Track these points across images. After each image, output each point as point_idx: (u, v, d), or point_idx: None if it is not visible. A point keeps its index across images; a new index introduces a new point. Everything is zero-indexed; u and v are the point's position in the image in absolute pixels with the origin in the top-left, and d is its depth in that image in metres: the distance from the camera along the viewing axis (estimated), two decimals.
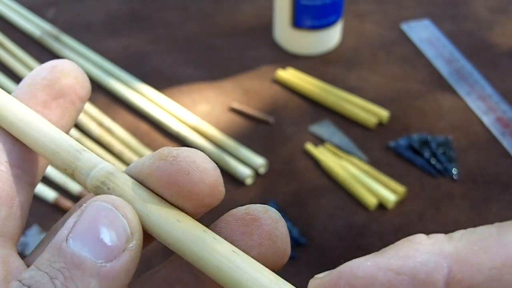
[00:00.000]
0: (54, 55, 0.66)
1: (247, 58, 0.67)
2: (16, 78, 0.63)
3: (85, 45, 0.67)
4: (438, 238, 0.14)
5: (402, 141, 0.56)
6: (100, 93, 0.62)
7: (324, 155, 0.55)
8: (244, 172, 0.53)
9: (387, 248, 0.15)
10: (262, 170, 0.54)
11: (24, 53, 0.66)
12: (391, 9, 0.74)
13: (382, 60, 0.66)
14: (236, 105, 0.60)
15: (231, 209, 0.19)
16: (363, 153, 0.56)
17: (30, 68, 0.64)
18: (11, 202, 0.19)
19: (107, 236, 0.16)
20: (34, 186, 0.21)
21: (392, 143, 0.56)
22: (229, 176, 0.54)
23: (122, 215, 0.17)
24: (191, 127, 0.58)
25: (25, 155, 0.20)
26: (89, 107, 0.60)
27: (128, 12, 0.73)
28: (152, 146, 0.57)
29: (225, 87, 0.63)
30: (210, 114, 0.60)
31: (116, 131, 0.57)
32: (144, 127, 0.59)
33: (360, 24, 0.71)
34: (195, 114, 0.59)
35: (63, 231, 0.16)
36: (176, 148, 0.18)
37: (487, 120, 0.59)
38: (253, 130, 0.58)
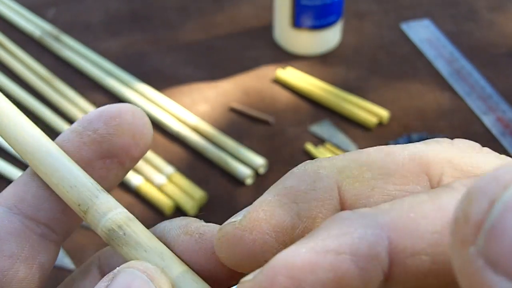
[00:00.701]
0: (54, 55, 0.66)
1: (247, 58, 0.67)
2: (16, 78, 0.63)
3: (85, 45, 0.67)
4: (366, 211, 0.13)
5: (402, 141, 0.56)
6: (100, 93, 0.62)
7: (324, 155, 0.55)
8: (244, 172, 0.53)
9: (314, 231, 0.13)
10: (262, 170, 0.54)
11: (24, 53, 0.66)
12: (391, 9, 0.73)
13: (382, 60, 0.66)
14: (236, 105, 0.60)
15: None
16: None
17: (30, 68, 0.64)
18: (31, 263, 0.17)
19: None
20: (59, 245, 0.19)
21: (392, 143, 0.56)
22: (229, 176, 0.54)
23: (155, 280, 0.16)
24: (191, 127, 0.58)
25: (55, 211, 0.18)
26: (89, 107, 0.60)
27: (128, 12, 0.73)
28: (152, 146, 0.57)
29: (225, 87, 0.63)
30: (210, 114, 0.60)
31: None
32: None
33: (360, 24, 0.71)
34: (195, 114, 0.59)
35: None
36: (203, 224, 0.17)
37: (487, 120, 0.59)
38: (253, 130, 0.58)
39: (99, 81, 0.63)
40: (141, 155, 0.19)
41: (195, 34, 0.70)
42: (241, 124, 0.59)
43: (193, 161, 0.56)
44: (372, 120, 0.58)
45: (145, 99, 0.61)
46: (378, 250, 0.13)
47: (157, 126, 0.59)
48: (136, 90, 0.62)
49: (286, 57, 0.66)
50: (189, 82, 0.64)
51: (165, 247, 0.17)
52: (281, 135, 0.58)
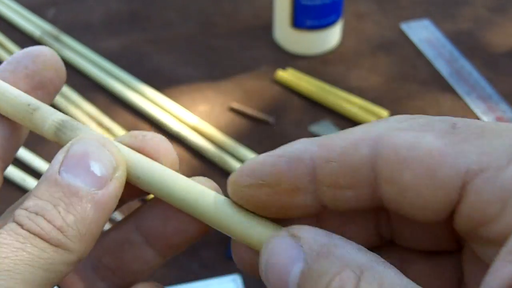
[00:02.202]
0: None
1: (247, 58, 0.67)
2: None
3: (85, 45, 0.67)
4: (308, 138, 0.19)
5: None
6: (100, 93, 0.62)
7: None
8: None
9: (283, 146, 0.19)
10: None
11: None
12: (391, 9, 0.74)
13: (382, 60, 0.66)
14: (236, 105, 0.60)
15: None
16: None
17: None
18: None
19: (97, 168, 0.19)
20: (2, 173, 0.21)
21: None
22: (229, 176, 0.54)
23: (108, 150, 0.19)
24: (191, 127, 0.58)
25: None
26: (89, 107, 0.60)
27: (128, 12, 0.73)
28: None
29: (225, 87, 0.63)
30: (210, 114, 0.60)
31: (116, 131, 0.57)
32: (144, 127, 0.59)
33: (360, 24, 0.71)
34: (194, 114, 0.59)
35: (54, 166, 0.19)
36: (142, 131, 0.22)
37: (487, 120, 0.59)
38: (253, 130, 0.58)
39: (99, 81, 0.63)
40: (61, 86, 0.23)
41: (195, 34, 0.70)
42: (241, 124, 0.59)
43: (193, 161, 0.56)
44: (372, 120, 0.58)
45: (145, 99, 0.61)
46: (304, 156, 0.18)
47: (157, 126, 0.59)
48: (136, 90, 0.62)
49: (286, 57, 0.66)
50: (189, 82, 0.64)
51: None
52: (281, 135, 0.58)
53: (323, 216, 0.20)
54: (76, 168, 0.18)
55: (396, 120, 0.18)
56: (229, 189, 0.20)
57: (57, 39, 0.68)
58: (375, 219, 0.21)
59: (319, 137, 0.19)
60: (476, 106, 0.60)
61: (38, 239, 0.17)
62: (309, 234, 0.17)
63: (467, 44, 0.68)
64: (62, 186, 0.18)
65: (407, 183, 0.17)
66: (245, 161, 0.19)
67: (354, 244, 0.17)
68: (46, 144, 0.56)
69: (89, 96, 0.62)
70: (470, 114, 0.60)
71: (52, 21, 0.71)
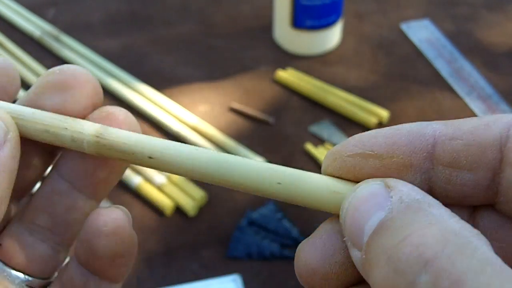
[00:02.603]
0: (54, 55, 0.66)
1: (247, 58, 0.67)
2: None
3: (85, 45, 0.67)
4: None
5: None
6: None
7: (324, 155, 0.55)
8: None
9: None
10: None
11: (24, 53, 0.66)
12: (391, 9, 0.74)
13: (382, 60, 0.66)
14: (236, 105, 0.60)
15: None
16: None
17: (30, 68, 0.64)
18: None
19: None
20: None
21: None
22: None
23: None
24: (191, 127, 0.58)
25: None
26: None
27: (128, 12, 0.73)
28: None
29: (225, 87, 0.63)
30: (210, 114, 0.60)
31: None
32: (144, 127, 0.59)
33: (360, 24, 0.71)
34: (195, 114, 0.59)
35: None
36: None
37: None
38: (253, 130, 0.58)
39: (99, 81, 0.63)
40: (17, 91, 0.22)
41: (195, 34, 0.70)
42: (241, 124, 0.59)
43: None
44: (372, 120, 0.58)
45: (145, 99, 0.61)
46: (426, 131, 0.17)
47: (157, 126, 0.59)
48: (136, 90, 0.62)
49: (286, 57, 0.66)
50: (189, 82, 0.64)
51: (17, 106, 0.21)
52: (281, 135, 0.58)
53: None
54: None
55: None
56: (326, 161, 0.19)
57: (57, 39, 0.68)
58: (470, 220, 0.19)
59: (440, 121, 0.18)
60: (476, 106, 0.60)
61: None
62: (404, 187, 0.16)
63: (467, 44, 0.68)
64: None
65: None
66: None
67: (449, 210, 0.15)
68: None
69: None
70: (470, 114, 0.60)
71: (52, 21, 0.71)
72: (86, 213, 0.21)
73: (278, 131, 0.58)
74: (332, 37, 0.66)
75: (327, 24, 0.64)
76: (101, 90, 0.22)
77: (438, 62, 0.66)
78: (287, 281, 0.47)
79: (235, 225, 0.50)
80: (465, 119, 0.18)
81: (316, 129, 0.58)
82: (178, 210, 0.52)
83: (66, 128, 0.20)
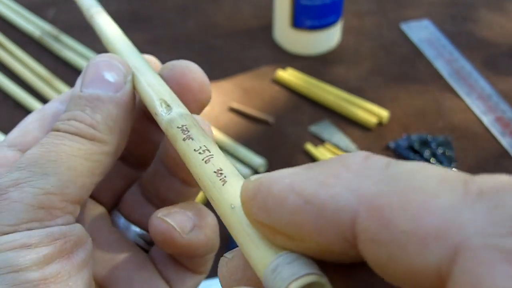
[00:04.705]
0: (54, 55, 0.66)
1: (247, 58, 0.67)
2: (16, 78, 0.63)
3: (85, 45, 0.67)
4: (361, 163, 0.13)
5: (402, 141, 0.56)
6: None
7: (324, 155, 0.55)
8: (244, 172, 0.53)
9: (321, 162, 0.14)
10: (261, 170, 0.54)
11: (24, 53, 0.66)
12: (391, 9, 0.74)
13: (382, 60, 0.66)
14: (236, 105, 0.60)
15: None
16: None
17: (30, 68, 0.64)
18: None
19: (110, 77, 0.22)
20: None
21: (392, 143, 0.56)
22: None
23: (116, 61, 0.22)
24: None
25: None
26: None
27: (128, 12, 0.73)
28: None
29: (225, 87, 0.63)
30: (210, 114, 0.60)
31: None
32: None
33: (360, 24, 0.71)
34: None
35: (75, 88, 0.22)
36: (174, 61, 0.24)
37: (487, 120, 0.59)
38: (253, 130, 0.58)
39: None
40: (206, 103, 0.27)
41: (195, 34, 0.70)
42: (240, 124, 0.59)
43: None
44: (372, 120, 0.58)
45: None
46: (343, 218, 0.12)
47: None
48: None
49: (286, 57, 0.66)
50: None
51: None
52: (280, 135, 0.58)
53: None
54: (93, 82, 0.22)
55: (509, 217, 0.11)
56: (242, 207, 0.15)
57: (57, 39, 0.68)
58: None
59: (376, 180, 0.12)
60: (476, 106, 0.60)
61: (74, 136, 0.21)
62: None
63: (467, 44, 0.68)
64: (85, 97, 0.21)
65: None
66: (263, 178, 0.14)
67: None
68: None
69: None
70: (470, 114, 0.60)
71: (52, 21, 0.71)
72: (184, 197, 0.25)
73: (278, 131, 0.58)
74: (332, 37, 0.66)
75: (327, 24, 0.64)
76: (209, 89, 0.24)
77: (438, 62, 0.66)
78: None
79: None
80: (405, 199, 0.12)
81: (316, 129, 0.58)
82: None
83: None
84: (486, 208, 0.11)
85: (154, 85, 0.22)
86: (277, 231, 0.14)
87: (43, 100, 0.61)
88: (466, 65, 0.65)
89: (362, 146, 0.56)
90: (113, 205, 0.26)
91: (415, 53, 0.67)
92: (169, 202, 0.24)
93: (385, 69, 0.65)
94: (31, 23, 0.70)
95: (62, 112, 0.22)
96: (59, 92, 0.61)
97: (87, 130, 0.21)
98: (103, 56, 0.22)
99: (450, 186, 0.12)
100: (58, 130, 0.21)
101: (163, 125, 0.21)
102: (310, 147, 0.56)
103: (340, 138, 0.57)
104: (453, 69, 0.65)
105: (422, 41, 0.68)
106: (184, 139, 0.19)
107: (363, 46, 0.68)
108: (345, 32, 0.69)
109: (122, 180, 0.25)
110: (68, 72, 0.64)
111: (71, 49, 0.67)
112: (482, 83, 0.63)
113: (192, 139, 0.19)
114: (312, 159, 0.55)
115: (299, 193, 0.13)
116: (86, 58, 0.65)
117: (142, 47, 0.68)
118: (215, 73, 0.65)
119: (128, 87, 0.22)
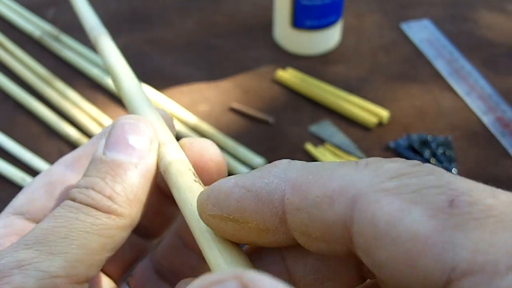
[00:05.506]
0: (54, 55, 0.66)
1: (247, 58, 0.67)
2: (16, 78, 0.63)
3: (85, 45, 0.67)
4: (286, 164, 0.18)
5: (402, 141, 0.56)
6: (100, 93, 0.62)
7: (324, 155, 0.55)
8: (244, 172, 0.53)
9: (259, 168, 0.18)
10: None
11: (24, 53, 0.66)
12: (391, 9, 0.73)
13: (382, 60, 0.66)
14: (236, 105, 0.60)
15: None
16: (363, 153, 0.56)
17: (30, 68, 0.64)
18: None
19: (135, 142, 0.21)
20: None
21: (392, 143, 0.56)
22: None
23: (143, 124, 0.21)
24: (191, 127, 0.58)
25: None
26: (89, 107, 0.60)
27: (128, 12, 0.73)
28: None
29: (225, 87, 0.63)
30: (210, 114, 0.60)
31: None
32: None
33: (360, 24, 0.71)
34: (195, 114, 0.59)
35: (98, 150, 0.21)
36: (192, 138, 0.23)
37: (487, 120, 0.59)
38: (253, 130, 0.58)
39: (99, 81, 0.63)
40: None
41: (195, 34, 0.70)
42: (240, 124, 0.59)
43: None
44: (372, 120, 0.58)
45: None
46: (274, 197, 0.17)
47: None
48: None
49: (286, 57, 0.66)
50: (189, 82, 0.64)
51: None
52: (280, 135, 0.58)
53: (300, 247, 0.18)
54: (117, 145, 0.21)
55: (384, 172, 0.16)
56: (197, 211, 0.19)
57: (57, 39, 0.68)
58: (356, 260, 0.18)
59: (297, 170, 0.17)
60: (476, 106, 0.60)
61: (90, 208, 0.19)
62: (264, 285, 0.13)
63: (467, 44, 0.68)
64: (107, 162, 0.20)
65: (382, 262, 0.15)
66: (215, 184, 0.18)
67: None
68: (45, 145, 0.56)
69: (89, 96, 0.62)
70: (470, 114, 0.60)
71: (52, 21, 0.71)
72: (196, 269, 0.24)
73: (278, 131, 0.58)
74: (332, 37, 0.66)
75: (327, 24, 0.64)
76: (225, 168, 0.24)
77: (438, 62, 0.66)
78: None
79: None
80: (316, 176, 0.16)
81: (316, 129, 0.58)
82: None
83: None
84: (371, 170, 0.16)
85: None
86: (227, 218, 0.17)
87: (43, 100, 0.61)
88: (466, 65, 0.65)
89: (362, 146, 0.56)
90: (121, 276, 0.25)
91: (415, 53, 0.67)
92: (184, 277, 0.22)
93: (385, 69, 0.65)
94: (31, 23, 0.70)
95: (68, 177, 0.22)
96: (59, 92, 0.61)
97: (104, 203, 0.20)
98: (130, 118, 0.21)
99: (346, 164, 0.16)
100: (74, 199, 0.20)
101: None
102: (310, 147, 0.56)
103: (340, 138, 0.57)
104: (453, 69, 0.65)
105: (422, 41, 0.68)
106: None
107: (363, 46, 0.68)
108: (345, 32, 0.69)
109: (131, 251, 0.24)
110: (68, 72, 0.64)
111: (71, 49, 0.67)
112: (482, 83, 0.63)
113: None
114: (312, 159, 0.55)
115: (241, 185, 0.17)
116: (86, 58, 0.65)
117: (142, 47, 0.69)
118: (215, 73, 0.65)
119: (152, 155, 0.21)
